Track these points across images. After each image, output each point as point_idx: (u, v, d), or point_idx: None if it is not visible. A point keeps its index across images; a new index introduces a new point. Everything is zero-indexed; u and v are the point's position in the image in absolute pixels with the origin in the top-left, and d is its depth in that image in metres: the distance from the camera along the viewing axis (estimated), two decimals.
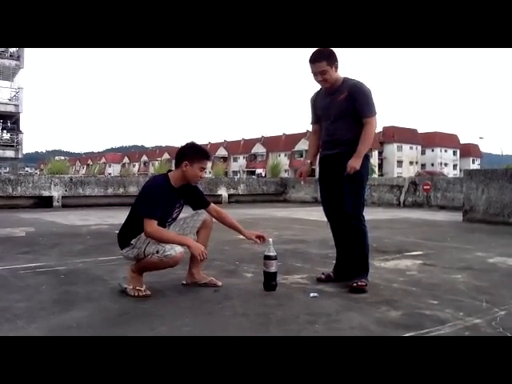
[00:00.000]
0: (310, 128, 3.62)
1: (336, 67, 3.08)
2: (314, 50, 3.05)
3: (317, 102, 3.29)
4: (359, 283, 3.01)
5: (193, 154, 2.91)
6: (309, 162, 3.36)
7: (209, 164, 3.37)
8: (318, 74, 3.06)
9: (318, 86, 3.25)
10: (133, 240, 2.88)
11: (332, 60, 3.05)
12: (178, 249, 2.77)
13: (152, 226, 2.77)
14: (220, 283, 3.13)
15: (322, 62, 3.02)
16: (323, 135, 3.29)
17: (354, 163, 3.01)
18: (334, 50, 3.10)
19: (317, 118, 3.36)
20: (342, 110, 3.11)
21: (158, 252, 2.77)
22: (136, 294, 2.84)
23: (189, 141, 3.05)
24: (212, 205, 3.17)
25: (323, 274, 3.31)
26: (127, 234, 2.92)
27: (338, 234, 3.30)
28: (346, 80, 3.15)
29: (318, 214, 6.03)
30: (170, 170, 3.01)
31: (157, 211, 2.80)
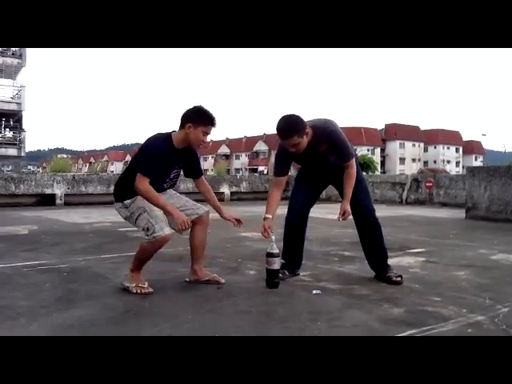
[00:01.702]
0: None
1: (306, 133, 2.92)
2: (278, 121, 2.90)
3: (292, 155, 3.06)
4: (397, 279, 3.12)
5: (198, 117, 2.84)
6: (270, 217, 3.11)
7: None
8: (291, 147, 2.94)
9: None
10: (127, 200, 2.87)
11: (302, 131, 2.89)
12: (167, 230, 2.77)
13: (144, 183, 2.74)
14: (223, 280, 3.13)
15: (293, 137, 2.88)
16: None
17: (347, 207, 3.07)
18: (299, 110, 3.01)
19: (286, 170, 3.19)
20: (329, 160, 3.13)
21: (148, 230, 2.76)
22: (139, 291, 2.84)
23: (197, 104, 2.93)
24: (202, 177, 3.16)
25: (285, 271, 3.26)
26: (123, 188, 2.92)
27: (301, 232, 3.33)
28: (314, 129, 3.00)
29: (319, 211, 6.01)
30: (174, 131, 2.95)
31: (152, 171, 2.77)
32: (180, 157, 2.95)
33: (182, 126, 2.86)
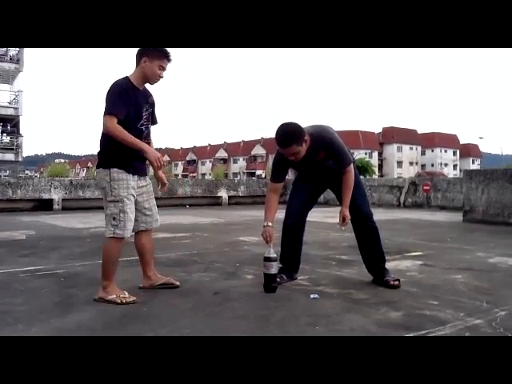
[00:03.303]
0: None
1: (305, 141, 2.93)
2: (277, 129, 2.89)
3: (289, 162, 3.07)
4: (395, 283, 3.12)
5: (152, 51, 2.79)
6: (271, 224, 3.08)
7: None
8: (290, 156, 2.95)
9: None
10: (114, 174, 2.78)
11: (301, 140, 2.89)
12: (128, 233, 2.80)
13: (112, 121, 2.67)
14: (178, 283, 3.10)
15: (292, 145, 2.88)
16: None
17: (346, 213, 3.08)
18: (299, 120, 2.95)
19: (283, 177, 3.20)
20: (328, 169, 3.16)
21: (114, 220, 2.75)
22: (123, 301, 2.75)
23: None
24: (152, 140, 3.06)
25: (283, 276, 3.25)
26: (104, 155, 2.83)
27: (299, 235, 3.33)
28: (312, 137, 3.00)
29: (317, 215, 6.02)
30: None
31: (119, 107, 2.70)
32: (145, 96, 2.90)
33: (138, 62, 2.83)
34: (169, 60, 2.86)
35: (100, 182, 2.88)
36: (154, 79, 2.87)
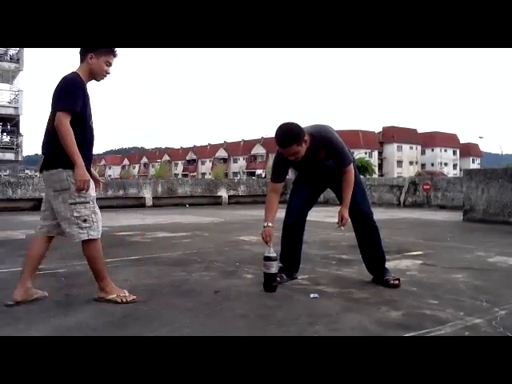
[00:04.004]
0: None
1: (305, 141, 2.92)
2: (277, 129, 2.89)
3: (290, 162, 3.07)
4: (394, 282, 3.13)
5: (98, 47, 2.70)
6: (271, 225, 3.08)
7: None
8: (290, 155, 2.95)
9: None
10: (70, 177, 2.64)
11: (301, 139, 2.88)
12: (100, 233, 2.79)
13: (68, 119, 2.55)
14: (46, 293, 2.88)
15: (292, 145, 2.87)
16: None
17: (345, 213, 3.07)
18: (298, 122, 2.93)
19: (283, 177, 3.20)
20: (329, 168, 3.16)
21: (85, 222, 2.68)
22: (124, 300, 2.75)
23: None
24: None
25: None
26: (63, 154, 2.61)
27: (299, 233, 3.33)
28: (312, 137, 2.99)
29: (317, 214, 6.03)
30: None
31: (78, 103, 2.60)
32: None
33: (83, 59, 2.75)
34: (115, 55, 2.81)
35: (59, 183, 2.67)
36: (101, 76, 2.80)
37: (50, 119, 2.71)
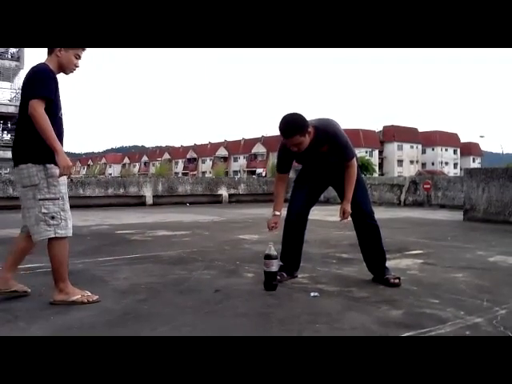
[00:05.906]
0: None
1: (309, 132, 2.92)
2: (281, 119, 2.89)
3: (293, 153, 3.07)
4: (395, 281, 3.13)
5: None
6: (279, 214, 3.16)
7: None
8: (293, 146, 2.94)
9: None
10: (49, 165, 2.60)
11: (304, 130, 2.88)
12: (70, 232, 2.74)
13: (40, 107, 2.48)
14: (29, 290, 2.87)
15: (295, 136, 2.87)
16: None
17: (347, 207, 3.08)
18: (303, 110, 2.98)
19: (288, 167, 3.25)
20: (331, 161, 3.14)
21: (53, 219, 2.62)
22: (90, 300, 2.71)
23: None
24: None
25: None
26: (34, 148, 2.57)
27: (301, 231, 3.34)
28: (316, 129, 2.98)
29: (318, 213, 6.03)
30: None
31: (50, 92, 2.55)
32: None
33: (51, 52, 2.68)
34: (83, 49, 2.76)
35: (29, 178, 2.60)
36: (70, 68, 2.76)
37: (19, 114, 2.66)
